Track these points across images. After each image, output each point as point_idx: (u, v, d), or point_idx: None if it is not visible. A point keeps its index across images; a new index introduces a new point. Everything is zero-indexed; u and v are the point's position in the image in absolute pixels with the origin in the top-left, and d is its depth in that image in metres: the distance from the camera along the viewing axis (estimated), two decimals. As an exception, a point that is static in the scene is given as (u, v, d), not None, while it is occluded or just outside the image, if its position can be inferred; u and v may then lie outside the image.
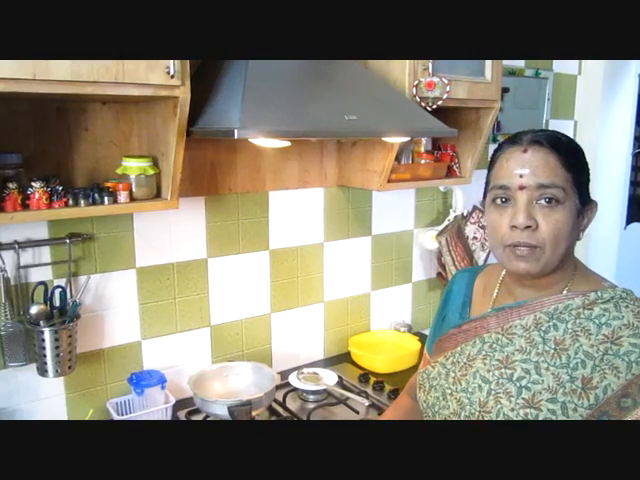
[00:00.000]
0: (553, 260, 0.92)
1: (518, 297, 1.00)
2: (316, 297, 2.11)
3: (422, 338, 2.20)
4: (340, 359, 2.15)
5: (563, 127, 2.78)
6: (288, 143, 1.47)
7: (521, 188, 0.92)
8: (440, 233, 2.27)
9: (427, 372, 1.08)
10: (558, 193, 0.90)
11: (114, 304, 1.67)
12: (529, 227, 0.90)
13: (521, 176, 0.92)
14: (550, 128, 2.61)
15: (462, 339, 1.03)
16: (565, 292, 0.95)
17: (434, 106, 1.73)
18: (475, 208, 2.38)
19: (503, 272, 1.07)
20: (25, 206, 1.31)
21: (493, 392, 0.94)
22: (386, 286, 2.31)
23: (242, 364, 1.81)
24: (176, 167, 1.43)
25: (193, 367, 1.82)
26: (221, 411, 1.57)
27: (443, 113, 1.83)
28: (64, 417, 1.64)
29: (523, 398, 0.90)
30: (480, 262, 2.39)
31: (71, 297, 1.54)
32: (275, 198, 1.93)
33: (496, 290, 1.06)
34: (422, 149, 2.04)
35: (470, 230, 2.38)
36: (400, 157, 1.96)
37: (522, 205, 0.91)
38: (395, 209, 2.27)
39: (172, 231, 1.74)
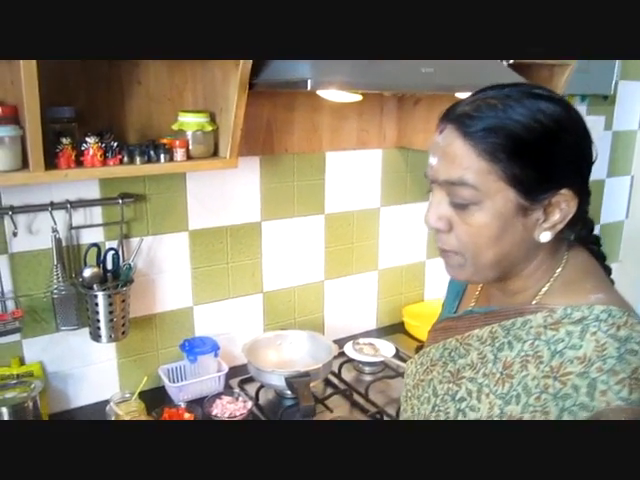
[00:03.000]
0: (483, 268, 0.73)
1: (490, 301, 0.84)
2: (370, 265, 2.02)
3: (480, 310, 2.09)
4: (394, 329, 2.06)
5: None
6: (359, 97, 1.35)
7: (433, 181, 0.73)
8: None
9: (407, 367, 0.94)
10: (467, 193, 0.69)
11: (166, 268, 1.60)
12: (440, 229, 0.73)
13: (431, 167, 0.73)
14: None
15: (438, 337, 0.87)
16: (534, 303, 0.75)
17: (511, 60, 1.58)
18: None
19: None
20: (79, 163, 1.23)
21: (436, 409, 0.81)
22: (442, 254, 2.19)
23: (297, 333, 1.74)
24: (237, 123, 1.33)
25: (245, 334, 1.76)
26: (278, 382, 1.51)
27: (515, 70, 1.68)
28: (116, 382, 1.59)
29: None
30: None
31: (124, 260, 1.48)
32: (332, 159, 1.82)
33: (479, 288, 0.90)
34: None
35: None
36: (466, 117, 1.82)
37: (433, 202, 0.73)
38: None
39: (226, 192, 1.65)
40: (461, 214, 0.71)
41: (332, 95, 1.30)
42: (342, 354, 1.76)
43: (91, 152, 1.22)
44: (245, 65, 1.24)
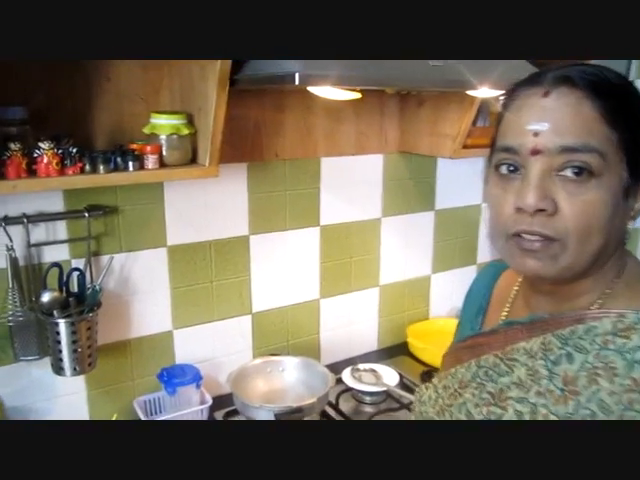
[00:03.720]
0: (580, 261, 0.63)
1: (533, 309, 0.73)
2: (371, 280, 1.84)
3: (490, 329, 1.92)
4: (397, 351, 1.88)
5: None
6: (358, 95, 1.18)
7: (535, 152, 0.62)
8: (514, 209, 1.96)
9: (420, 393, 0.84)
10: (593, 161, 0.60)
11: (142, 288, 1.43)
12: (543, 211, 0.61)
13: (536, 134, 0.61)
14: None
15: (463, 357, 0.77)
16: (594, 308, 0.66)
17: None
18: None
19: None
20: (32, 172, 1.06)
21: None
22: (448, 268, 2.02)
23: (289, 359, 1.56)
24: (216, 126, 1.16)
25: (232, 360, 1.58)
26: (266, 417, 1.33)
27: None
28: (85, 417, 1.42)
29: None
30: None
31: (91, 281, 1.30)
32: (328, 166, 1.65)
33: (512, 297, 0.80)
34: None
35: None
36: (476, 119, 1.65)
37: (535, 178, 0.62)
38: (461, 180, 1.96)
39: (209, 203, 1.48)
40: (573, 189, 0.61)
41: (326, 92, 1.13)
42: (339, 381, 1.59)
43: (45, 160, 1.05)
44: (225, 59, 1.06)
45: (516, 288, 0.80)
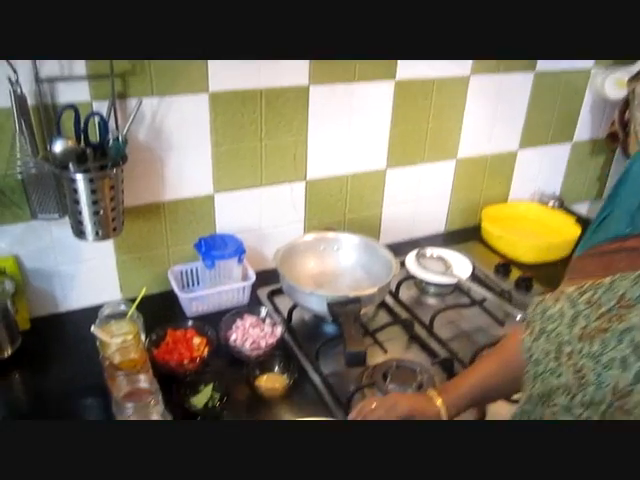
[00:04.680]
0: None
1: None
2: (448, 152, 1.55)
3: (580, 221, 1.64)
4: (467, 236, 1.64)
5: None
6: None
7: None
8: (635, 77, 1.57)
9: (544, 305, 0.66)
10: None
11: (177, 142, 1.19)
12: None
13: None
14: None
15: (620, 263, 0.58)
16: None
17: None
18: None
19: None
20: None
21: None
22: (539, 144, 1.70)
23: (347, 237, 1.34)
24: None
25: (280, 234, 1.38)
26: (318, 306, 1.15)
27: None
28: (115, 284, 1.27)
29: None
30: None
31: (116, 129, 1.07)
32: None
33: None
34: None
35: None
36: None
37: None
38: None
39: (262, 41, 1.18)
40: None
41: None
42: (402, 265, 1.37)
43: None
44: None
45: None
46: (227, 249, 1.24)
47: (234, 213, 1.32)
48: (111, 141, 1.02)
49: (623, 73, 1.63)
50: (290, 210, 1.39)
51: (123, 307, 1.10)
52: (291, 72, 1.24)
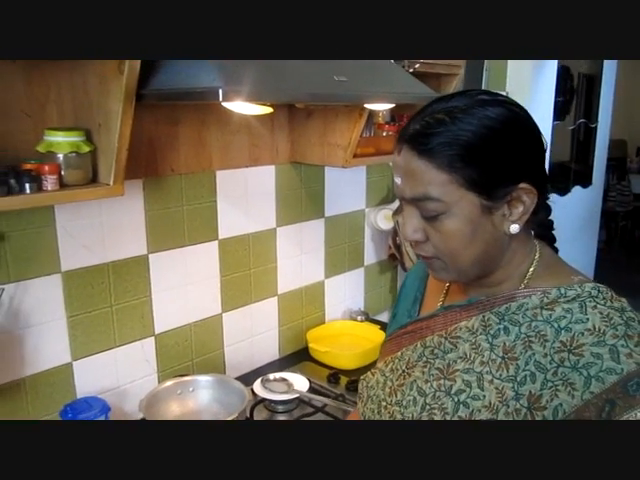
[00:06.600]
0: (464, 267, 0.76)
1: (470, 295, 0.83)
2: (270, 290, 1.86)
3: (383, 327, 2.03)
4: (299, 357, 1.91)
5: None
6: (270, 109, 1.19)
7: (401, 199, 0.77)
8: (397, 211, 2.09)
9: (366, 380, 0.93)
10: (435, 206, 0.72)
11: (35, 320, 1.31)
12: (418, 240, 0.76)
13: (397, 186, 0.76)
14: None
15: (405, 342, 0.87)
16: (522, 288, 0.77)
17: (411, 70, 1.53)
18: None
19: None
20: None
21: (428, 407, 0.79)
22: (339, 272, 2.10)
23: (199, 379, 1.52)
24: (122, 142, 1.11)
25: (138, 386, 1.51)
26: (187, 441, 1.29)
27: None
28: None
29: (459, 416, 0.75)
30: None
31: (-21, 317, 1.17)
32: (223, 178, 1.64)
33: (446, 287, 0.90)
34: (382, 120, 1.84)
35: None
36: (362, 129, 1.74)
37: (406, 217, 0.76)
38: (347, 187, 2.05)
39: (104, 223, 1.40)
40: (433, 224, 0.74)
41: (240, 107, 1.13)
42: (251, 393, 1.58)
43: None
44: (132, 69, 1.02)
45: None
46: (92, 410, 1.34)
47: (93, 376, 1.43)
48: (-19, 328, 1.12)
49: (387, 210, 2.14)
50: (144, 364, 1.54)
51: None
52: (131, 245, 1.46)
